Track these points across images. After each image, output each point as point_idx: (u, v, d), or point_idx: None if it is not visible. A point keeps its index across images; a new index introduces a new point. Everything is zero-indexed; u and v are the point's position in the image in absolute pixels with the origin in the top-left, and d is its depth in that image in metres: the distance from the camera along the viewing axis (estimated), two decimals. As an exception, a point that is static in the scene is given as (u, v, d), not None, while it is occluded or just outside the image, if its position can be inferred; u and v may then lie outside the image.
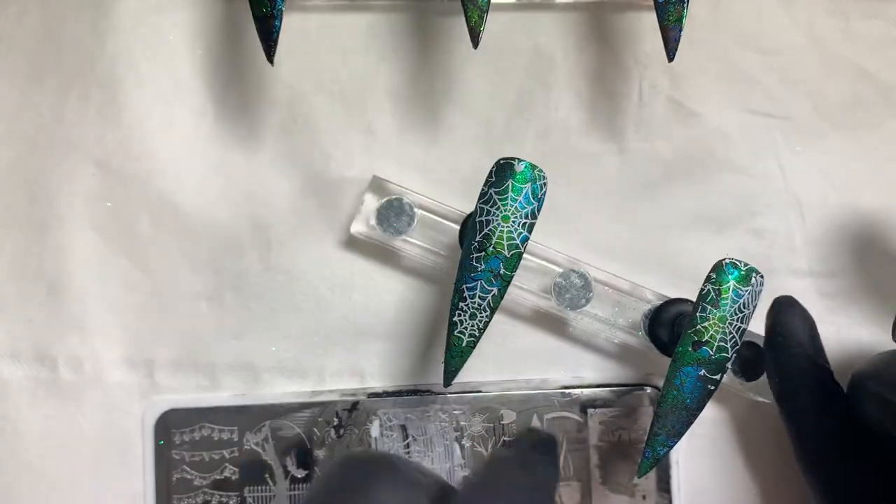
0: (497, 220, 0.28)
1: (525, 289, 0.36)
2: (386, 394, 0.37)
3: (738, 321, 0.28)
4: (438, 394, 0.36)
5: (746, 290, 0.28)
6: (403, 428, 0.36)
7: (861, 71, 0.38)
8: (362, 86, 0.37)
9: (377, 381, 0.37)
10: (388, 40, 0.37)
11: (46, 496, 0.36)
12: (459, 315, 0.29)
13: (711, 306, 0.28)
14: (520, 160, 0.28)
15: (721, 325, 0.28)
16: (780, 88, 0.38)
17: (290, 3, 0.37)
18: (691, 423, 0.29)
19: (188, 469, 0.36)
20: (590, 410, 0.36)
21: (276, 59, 0.31)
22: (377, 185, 0.36)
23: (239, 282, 0.37)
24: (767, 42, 0.38)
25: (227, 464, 0.36)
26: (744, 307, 0.28)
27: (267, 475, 0.36)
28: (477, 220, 0.29)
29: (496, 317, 0.37)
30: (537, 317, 0.37)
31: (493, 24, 0.36)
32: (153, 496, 0.36)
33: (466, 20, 0.31)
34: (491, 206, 0.28)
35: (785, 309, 0.32)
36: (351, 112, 0.37)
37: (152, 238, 0.37)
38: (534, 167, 0.28)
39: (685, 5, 0.31)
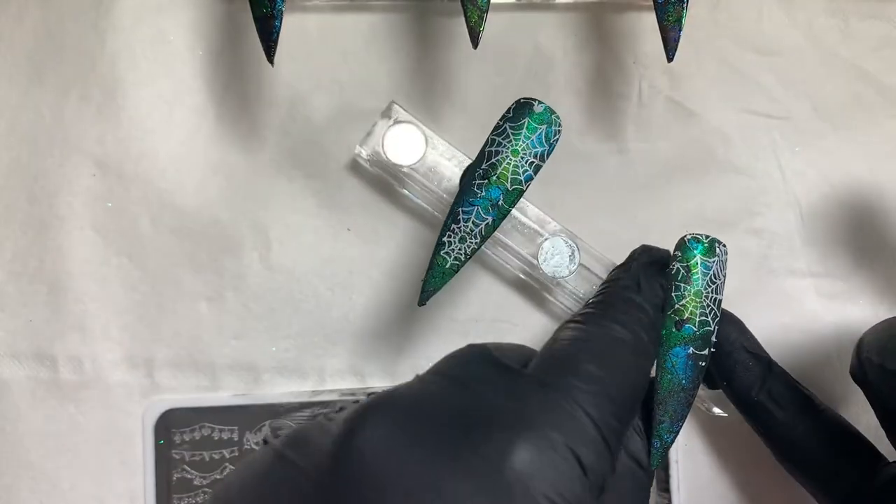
0: (506, 153, 0.28)
1: (513, 250, 0.36)
2: (386, 394, 0.37)
3: (712, 292, 0.29)
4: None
5: (713, 261, 0.29)
6: (403, 428, 0.36)
7: (860, 71, 0.38)
8: (362, 86, 0.37)
9: (377, 381, 0.37)
10: (388, 41, 0.37)
11: (46, 496, 0.36)
12: (450, 236, 0.29)
13: (684, 283, 0.29)
14: (539, 102, 0.28)
15: (698, 300, 0.29)
16: (780, 89, 0.38)
17: (290, 4, 0.37)
18: (691, 403, 0.29)
19: (188, 469, 0.36)
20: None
21: (277, 59, 0.31)
22: (391, 111, 0.35)
23: (239, 282, 0.37)
24: (767, 42, 0.38)
25: (227, 464, 0.36)
26: (715, 278, 0.29)
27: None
28: (486, 149, 0.29)
29: (489, 314, 0.37)
30: (520, 284, 0.37)
31: (493, 25, 0.36)
32: (153, 496, 0.36)
33: (466, 20, 0.31)
34: (503, 139, 0.29)
35: None
36: (351, 112, 0.37)
37: (152, 238, 0.37)
38: (552, 112, 0.29)
39: (684, 6, 0.31)
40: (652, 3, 0.32)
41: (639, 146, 0.38)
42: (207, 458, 0.36)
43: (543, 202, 0.37)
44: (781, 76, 0.38)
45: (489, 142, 0.29)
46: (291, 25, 0.37)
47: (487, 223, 0.29)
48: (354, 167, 0.37)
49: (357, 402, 0.36)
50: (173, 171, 0.37)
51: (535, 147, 0.28)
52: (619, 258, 0.37)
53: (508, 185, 0.29)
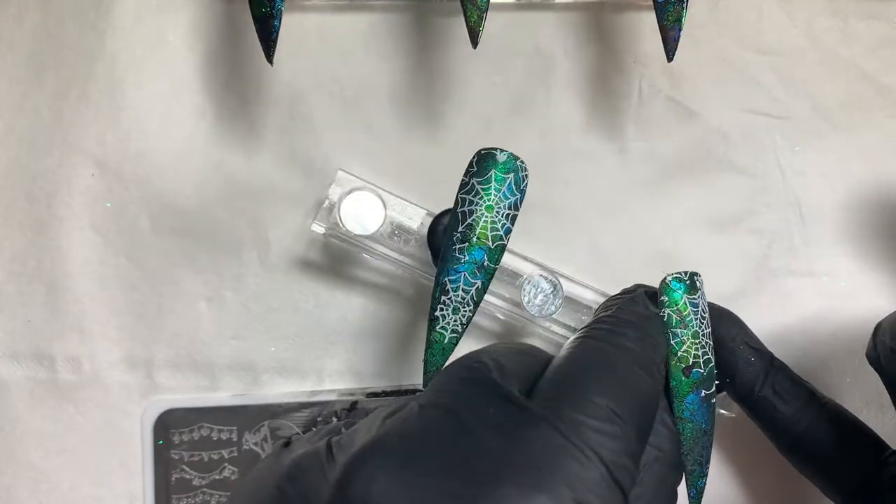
0: (481, 210, 0.27)
1: (497, 295, 0.36)
2: (384, 393, 0.37)
3: (705, 327, 0.28)
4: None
5: (698, 296, 0.28)
6: (403, 428, 0.36)
7: (860, 71, 0.38)
8: (362, 86, 0.37)
9: (376, 381, 0.37)
10: (388, 40, 0.37)
11: (46, 496, 0.36)
12: (442, 309, 0.28)
13: (681, 328, 0.28)
14: (501, 150, 0.28)
15: (696, 341, 0.28)
16: (780, 88, 0.38)
17: (289, 3, 0.37)
18: (712, 441, 0.29)
19: (187, 469, 0.36)
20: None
21: (276, 58, 0.31)
22: (343, 180, 0.35)
23: (238, 282, 0.37)
24: (767, 42, 0.38)
25: (226, 464, 0.36)
26: (704, 312, 0.28)
27: (266, 475, 0.36)
28: (458, 210, 0.28)
29: (496, 313, 0.37)
30: (507, 329, 0.37)
31: (493, 24, 0.36)
32: (152, 496, 0.36)
33: (466, 20, 0.31)
34: (474, 196, 0.28)
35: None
36: (350, 112, 0.37)
37: (151, 238, 0.37)
38: (515, 158, 0.28)
39: (684, 5, 0.31)
40: (652, 2, 0.32)
41: (639, 146, 0.38)
42: (206, 459, 0.36)
43: (543, 202, 0.37)
44: (781, 76, 0.38)
45: (459, 201, 0.28)
46: (290, 25, 0.37)
47: (477, 287, 0.28)
48: (353, 167, 0.37)
49: (356, 402, 0.36)
50: (172, 170, 0.37)
51: (508, 198, 0.28)
52: (619, 258, 0.37)
53: (490, 244, 0.28)
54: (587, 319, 0.34)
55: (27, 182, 0.37)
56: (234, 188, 0.37)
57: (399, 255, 0.35)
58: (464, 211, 0.28)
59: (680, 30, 0.31)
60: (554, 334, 0.36)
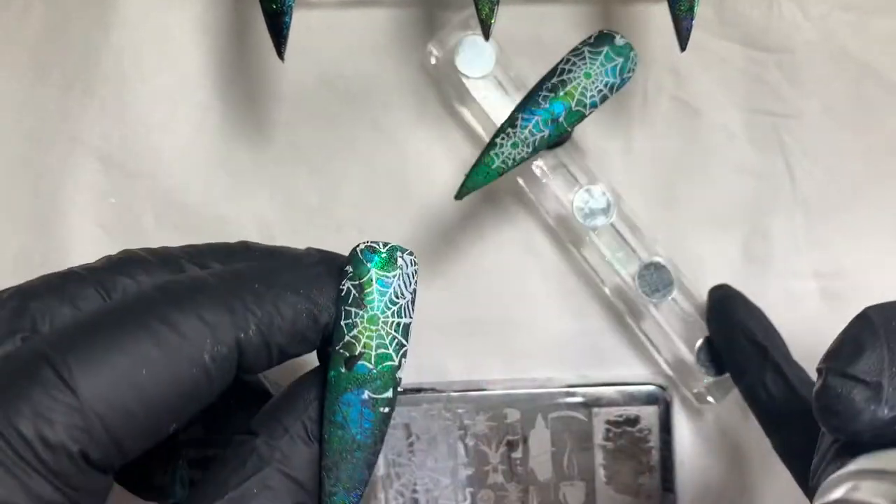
0: (579, 73, 0.28)
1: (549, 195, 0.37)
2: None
3: (393, 316, 0.23)
4: (442, 392, 0.36)
5: (393, 276, 0.23)
6: (407, 426, 0.36)
7: (869, 69, 0.37)
8: (368, 82, 0.37)
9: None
10: (395, 36, 0.37)
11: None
12: (503, 139, 0.28)
13: (356, 308, 0.23)
14: (622, 36, 0.29)
15: (374, 328, 0.23)
16: (787, 87, 0.38)
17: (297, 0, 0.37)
18: (373, 464, 0.23)
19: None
20: (594, 409, 0.36)
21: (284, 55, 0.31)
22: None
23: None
24: (774, 40, 0.38)
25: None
26: (396, 297, 0.23)
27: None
28: (560, 66, 0.29)
29: (496, 313, 0.37)
30: (549, 231, 0.37)
31: (499, 17, 0.36)
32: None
33: (477, 12, 0.31)
34: (579, 59, 0.28)
35: (721, 296, 0.34)
36: (357, 108, 0.37)
37: (157, 234, 0.37)
38: (632, 48, 0.29)
39: (697, -7, 0.31)
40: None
41: (644, 145, 0.38)
42: (210, 456, 0.36)
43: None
44: (789, 74, 0.37)
45: (564, 59, 0.29)
46: (297, 21, 0.36)
47: (543, 136, 0.28)
48: (361, 162, 0.37)
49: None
50: (178, 166, 0.37)
51: (608, 77, 0.28)
52: (623, 260, 0.37)
53: (573, 104, 0.28)
54: (622, 256, 0.36)
55: (32, 178, 0.36)
56: (238, 184, 0.37)
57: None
58: (563, 68, 0.29)
59: (692, 19, 0.31)
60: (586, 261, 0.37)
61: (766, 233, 0.37)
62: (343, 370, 0.23)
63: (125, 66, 0.37)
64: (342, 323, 0.23)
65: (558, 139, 0.29)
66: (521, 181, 0.37)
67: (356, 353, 0.23)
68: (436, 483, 0.36)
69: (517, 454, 0.36)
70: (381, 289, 0.23)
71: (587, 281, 0.37)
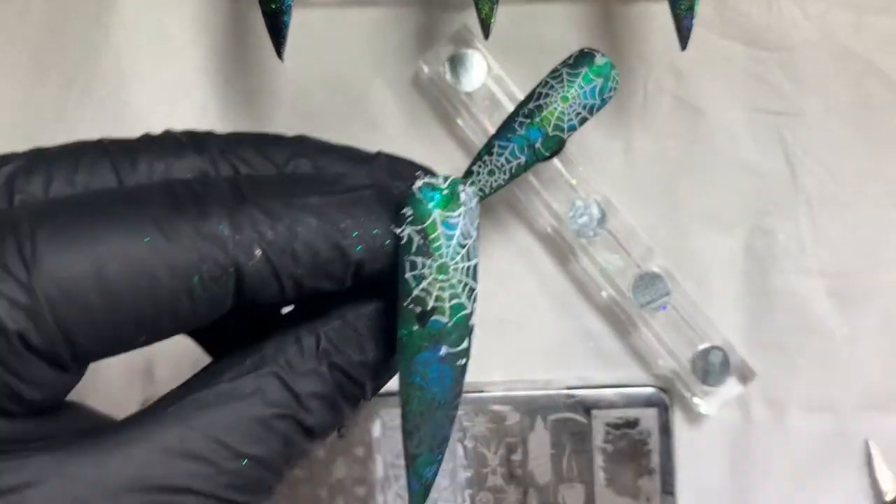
0: (556, 97, 0.27)
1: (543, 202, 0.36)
2: (388, 393, 0.36)
3: (463, 260, 0.21)
4: (441, 393, 0.36)
5: (459, 215, 0.21)
6: (405, 428, 0.36)
7: (872, 67, 0.37)
8: (367, 81, 0.37)
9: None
10: (394, 35, 0.37)
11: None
12: (480, 166, 0.27)
13: (423, 257, 0.21)
14: (602, 55, 0.28)
15: (445, 277, 0.21)
16: (789, 85, 0.37)
17: (294, -1, 0.37)
18: (455, 416, 0.22)
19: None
20: (594, 412, 0.36)
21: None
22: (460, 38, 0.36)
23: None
24: (776, 38, 0.37)
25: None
26: (465, 238, 0.21)
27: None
28: (537, 89, 0.28)
29: (494, 313, 0.37)
30: (545, 239, 0.37)
31: (498, 16, 0.36)
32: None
33: (478, 12, 0.31)
34: (556, 82, 0.27)
35: None
36: (355, 108, 0.37)
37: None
38: (613, 67, 0.28)
39: (697, -7, 0.31)
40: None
41: (644, 145, 0.37)
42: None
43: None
44: (790, 72, 0.37)
45: (542, 83, 0.28)
46: (296, 20, 0.36)
47: (520, 162, 0.28)
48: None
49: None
50: (176, 166, 0.37)
51: (587, 99, 0.27)
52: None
53: (549, 130, 0.27)
54: (617, 264, 0.36)
55: (29, 177, 0.36)
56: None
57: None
58: (541, 91, 0.27)
59: (692, 18, 0.31)
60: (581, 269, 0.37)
61: (768, 232, 0.37)
62: (416, 327, 0.21)
63: (124, 66, 0.37)
64: (408, 276, 0.21)
65: (554, 152, 0.29)
66: (516, 190, 0.36)
67: (429, 308, 0.21)
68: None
69: (516, 456, 0.36)
70: (448, 232, 0.21)
71: (585, 285, 0.37)
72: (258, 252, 0.19)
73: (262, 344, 0.21)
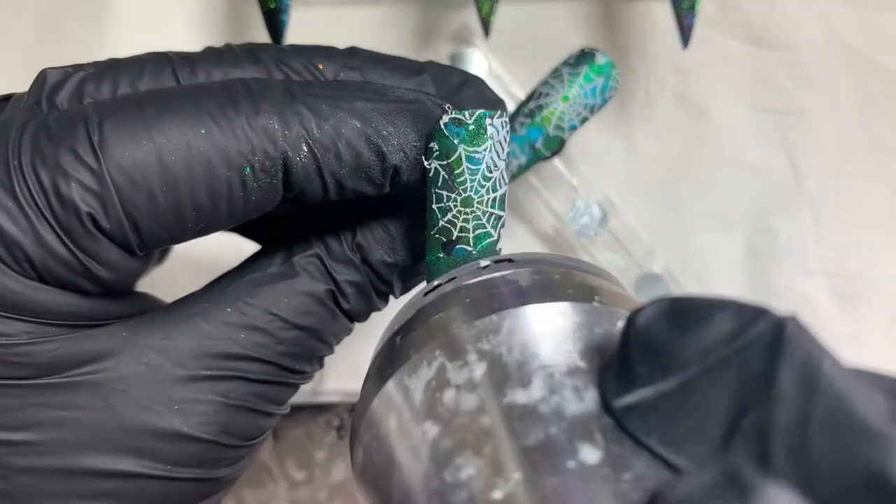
0: (557, 97, 0.27)
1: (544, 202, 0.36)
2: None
3: (488, 192, 0.21)
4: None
5: (484, 150, 0.21)
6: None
7: (874, 66, 0.37)
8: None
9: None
10: (393, 34, 0.37)
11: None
12: None
13: (447, 191, 0.21)
14: (604, 54, 0.28)
15: (469, 210, 0.21)
16: (791, 84, 0.37)
17: (293, -3, 0.36)
18: None
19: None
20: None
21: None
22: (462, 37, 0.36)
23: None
24: (778, 36, 0.37)
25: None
26: (490, 171, 0.21)
27: (266, 476, 0.35)
28: (538, 89, 0.28)
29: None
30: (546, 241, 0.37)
31: (499, 16, 0.36)
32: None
33: (478, 11, 0.31)
34: (557, 82, 0.28)
35: None
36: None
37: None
38: (614, 66, 0.28)
39: (699, -8, 0.31)
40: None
41: (646, 144, 0.37)
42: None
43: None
44: (793, 71, 0.37)
45: (543, 82, 0.28)
46: (296, 19, 0.36)
47: (521, 162, 0.28)
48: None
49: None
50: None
51: (587, 99, 0.27)
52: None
53: (550, 130, 0.27)
54: (619, 265, 0.36)
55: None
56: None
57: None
58: (541, 91, 0.28)
59: (694, 17, 0.31)
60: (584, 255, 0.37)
61: (771, 231, 0.37)
62: (441, 255, 0.22)
63: (120, 65, 0.36)
64: (434, 207, 0.22)
65: (555, 152, 0.28)
66: (516, 191, 0.36)
67: (453, 238, 0.22)
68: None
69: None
70: (472, 167, 0.21)
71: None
72: (305, 147, 0.20)
73: (307, 234, 0.23)
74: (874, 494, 0.12)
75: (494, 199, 0.22)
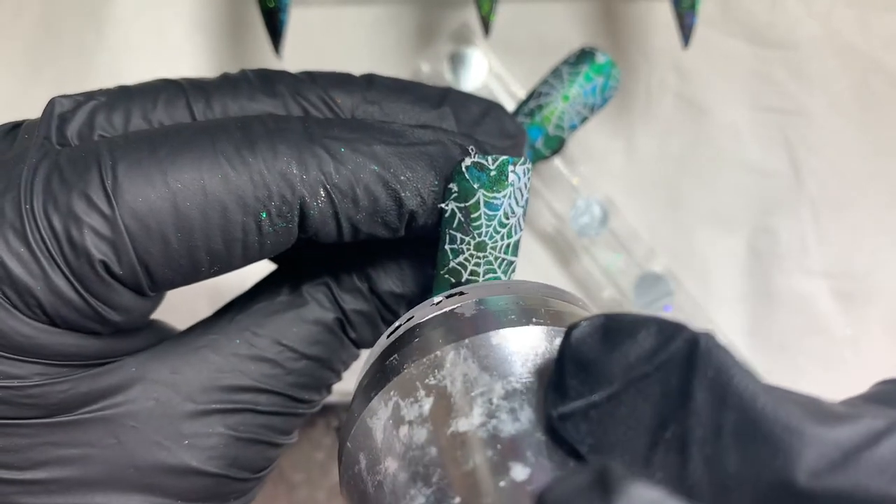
0: (557, 97, 0.27)
1: (545, 202, 0.36)
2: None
3: (503, 238, 0.21)
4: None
5: (504, 196, 0.21)
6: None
7: (875, 65, 0.37)
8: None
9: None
10: (393, 33, 0.37)
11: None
12: None
13: (461, 234, 0.21)
14: (604, 54, 0.27)
15: (482, 255, 0.21)
16: (793, 83, 0.37)
17: (292, -3, 0.36)
18: None
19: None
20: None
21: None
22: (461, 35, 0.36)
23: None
24: (779, 36, 0.37)
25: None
26: (507, 217, 0.21)
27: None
28: (538, 88, 0.28)
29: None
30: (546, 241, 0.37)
31: (500, 15, 0.36)
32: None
33: (478, 10, 0.30)
34: (557, 81, 0.27)
35: None
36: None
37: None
38: (614, 65, 0.27)
39: (699, -9, 0.31)
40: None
41: (647, 144, 0.37)
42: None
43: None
44: (794, 71, 0.37)
45: (543, 81, 0.28)
46: (295, 18, 0.36)
47: None
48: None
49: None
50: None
51: (588, 98, 0.27)
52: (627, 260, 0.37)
53: (550, 129, 0.27)
54: (620, 264, 0.35)
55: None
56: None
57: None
58: (541, 91, 0.27)
59: (695, 16, 0.31)
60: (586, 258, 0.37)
61: (772, 232, 0.37)
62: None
63: (119, 65, 0.36)
64: (447, 247, 0.21)
65: (555, 151, 0.28)
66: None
67: (462, 280, 0.21)
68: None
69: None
70: (490, 213, 0.21)
71: (587, 285, 0.37)
72: (322, 192, 0.20)
73: (316, 260, 0.23)
74: (785, 503, 0.13)
75: (508, 245, 0.21)
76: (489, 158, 0.21)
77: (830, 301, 0.36)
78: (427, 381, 0.17)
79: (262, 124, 0.20)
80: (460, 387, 0.17)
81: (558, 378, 0.16)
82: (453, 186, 0.21)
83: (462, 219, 0.21)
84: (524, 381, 0.17)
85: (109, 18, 0.36)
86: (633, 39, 0.37)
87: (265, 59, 0.36)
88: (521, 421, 0.16)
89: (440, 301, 0.20)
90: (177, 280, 0.20)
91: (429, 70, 0.36)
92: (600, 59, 0.27)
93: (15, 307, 0.19)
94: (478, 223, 0.21)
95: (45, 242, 0.19)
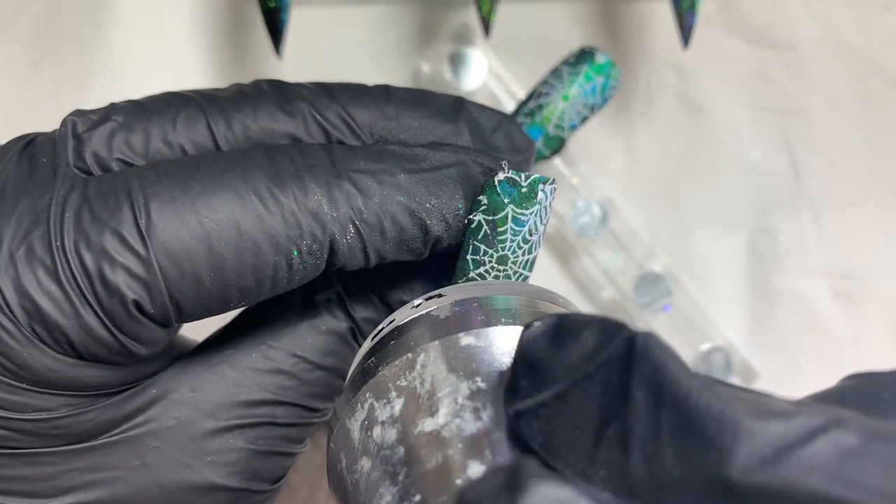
0: (556, 97, 0.27)
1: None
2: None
3: (524, 254, 0.22)
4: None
5: (531, 213, 0.21)
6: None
7: (875, 66, 0.37)
8: (366, 80, 0.37)
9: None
10: (393, 33, 0.37)
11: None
12: None
13: (486, 245, 0.22)
14: (604, 53, 0.27)
15: (502, 268, 0.22)
16: (793, 83, 0.37)
17: (292, -3, 0.36)
18: None
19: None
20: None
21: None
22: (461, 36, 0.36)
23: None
24: (779, 36, 0.37)
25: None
26: (531, 234, 0.21)
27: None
28: (538, 88, 0.28)
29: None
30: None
31: (499, 15, 0.36)
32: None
33: (478, 10, 0.30)
34: (557, 81, 0.27)
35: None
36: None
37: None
38: (614, 65, 0.27)
39: (699, -8, 0.31)
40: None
41: (647, 144, 0.37)
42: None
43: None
44: (794, 71, 0.37)
45: (543, 81, 0.28)
46: (295, 18, 0.36)
47: None
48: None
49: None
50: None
51: (588, 98, 0.27)
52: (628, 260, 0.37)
53: (550, 129, 0.27)
54: (619, 265, 0.35)
55: (24, 176, 0.36)
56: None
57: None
58: (541, 91, 0.27)
59: (694, 16, 0.31)
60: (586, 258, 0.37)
61: (771, 232, 0.37)
62: None
63: (119, 65, 0.36)
64: (469, 257, 0.22)
65: (555, 151, 0.28)
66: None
67: None
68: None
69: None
70: (516, 228, 0.21)
71: (587, 285, 0.37)
72: (352, 228, 0.20)
73: (329, 272, 0.23)
74: (720, 499, 0.13)
75: (527, 260, 0.22)
76: (522, 176, 0.21)
77: (830, 301, 0.36)
78: (399, 382, 0.18)
79: (289, 159, 0.20)
80: (429, 387, 0.17)
81: (513, 376, 0.16)
82: (483, 199, 0.21)
83: (488, 231, 0.21)
84: (490, 380, 0.17)
85: (109, 18, 0.36)
86: (633, 39, 0.37)
87: (265, 58, 0.36)
88: (483, 420, 0.16)
89: (420, 303, 0.20)
90: (204, 314, 0.21)
91: (429, 70, 0.36)
92: (600, 59, 0.27)
93: (44, 343, 0.19)
94: (503, 237, 0.21)
95: (76, 281, 0.19)
